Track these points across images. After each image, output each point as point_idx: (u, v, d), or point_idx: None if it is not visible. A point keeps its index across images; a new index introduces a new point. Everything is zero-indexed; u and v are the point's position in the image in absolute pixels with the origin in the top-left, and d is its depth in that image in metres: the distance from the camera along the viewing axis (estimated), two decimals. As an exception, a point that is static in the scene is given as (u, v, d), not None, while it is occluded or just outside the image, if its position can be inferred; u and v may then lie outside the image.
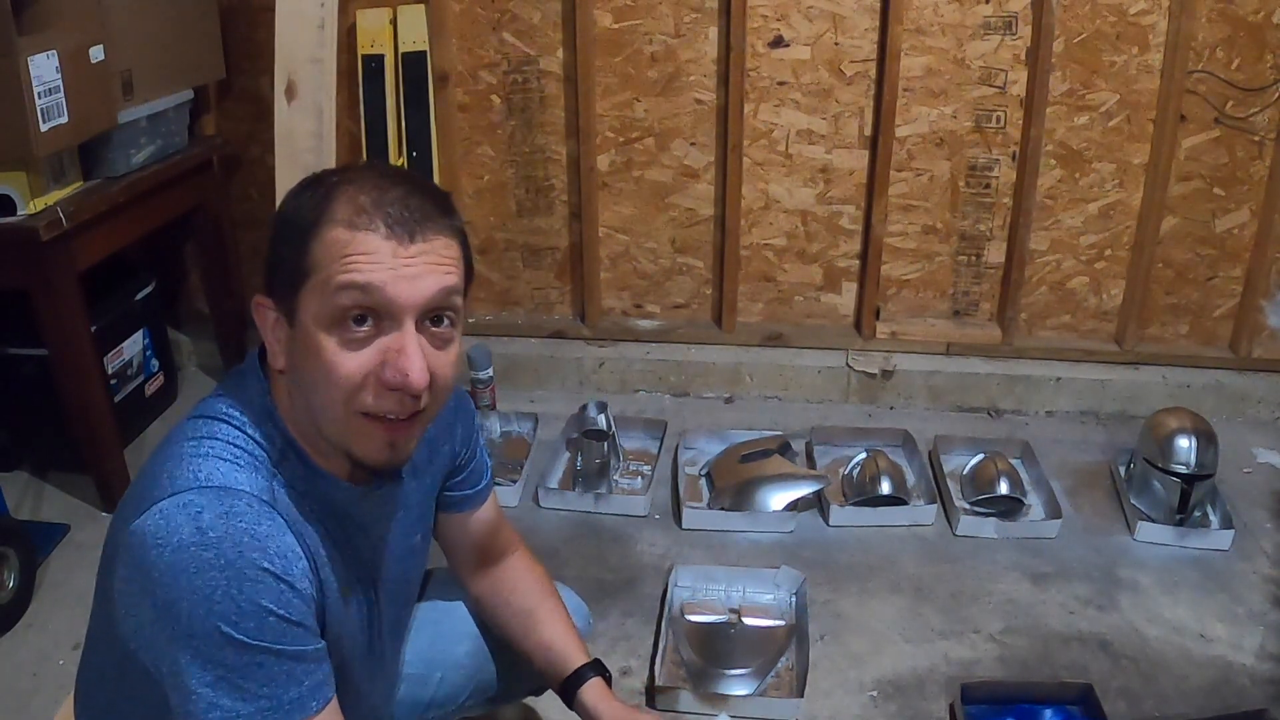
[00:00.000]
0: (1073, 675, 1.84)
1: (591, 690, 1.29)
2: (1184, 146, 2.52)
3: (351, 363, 0.93)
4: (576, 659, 1.31)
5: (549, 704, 1.64)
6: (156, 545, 0.89)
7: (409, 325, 0.94)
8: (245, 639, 0.89)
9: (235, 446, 0.97)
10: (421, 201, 0.96)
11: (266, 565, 0.90)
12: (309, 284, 0.93)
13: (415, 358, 0.93)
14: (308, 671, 0.94)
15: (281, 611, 0.91)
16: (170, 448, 0.97)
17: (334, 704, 0.98)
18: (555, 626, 1.34)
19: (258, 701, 0.91)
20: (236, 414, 0.99)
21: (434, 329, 0.96)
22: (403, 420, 0.97)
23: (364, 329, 0.93)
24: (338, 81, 2.20)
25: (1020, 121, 2.55)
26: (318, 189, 0.96)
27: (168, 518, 0.90)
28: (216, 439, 0.97)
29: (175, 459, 0.95)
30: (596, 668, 1.31)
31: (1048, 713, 1.74)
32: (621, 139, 2.68)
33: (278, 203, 1.02)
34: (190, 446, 0.96)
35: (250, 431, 0.99)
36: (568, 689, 1.30)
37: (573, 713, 1.31)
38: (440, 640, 1.39)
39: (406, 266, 0.93)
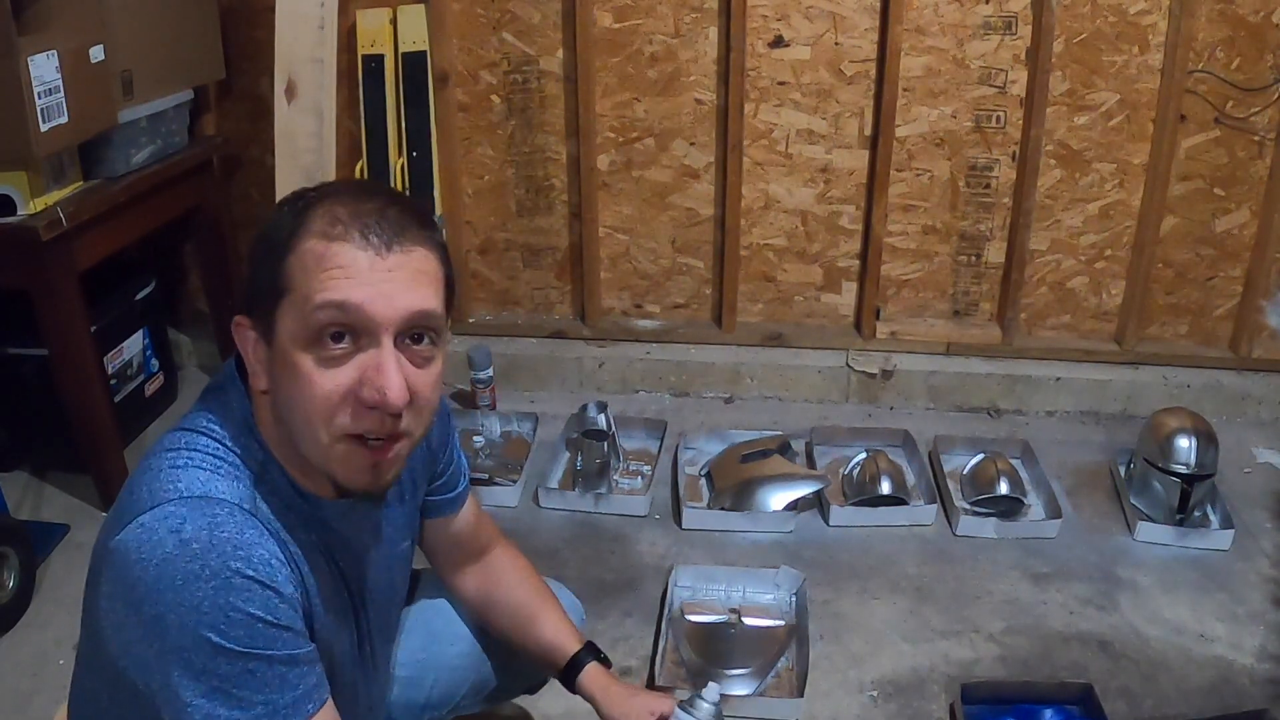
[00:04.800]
0: (1073, 675, 1.84)
1: (592, 674, 1.30)
2: (1184, 146, 2.52)
3: (329, 381, 0.92)
4: (572, 645, 1.32)
5: (548, 703, 1.65)
6: (140, 560, 0.88)
7: (387, 342, 0.92)
8: (236, 647, 0.89)
9: (215, 457, 0.96)
10: (399, 212, 0.95)
11: (251, 573, 0.90)
12: (285, 301, 0.92)
13: (393, 375, 0.91)
14: (301, 675, 0.94)
15: (270, 617, 0.91)
16: (149, 461, 0.96)
17: (330, 705, 0.97)
18: (548, 616, 1.34)
19: (254, 709, 0.90)
20: (217, 428, 0.98)
21: (414, 346, 0.95)
22: (385, 442, 0.95)
23: (341, 346, 0.92)
24: (338, 81, 2.20)
25: (1020, 121, 2.55)
26: (295, 204, 0.96)
27: (149, 531, 0.89)
28: (196, 450, 0.96)
29: (154, 472, 0.94)
30: (593, 651, 1.33)
31: (1048, 713, 1.74)
32: (621, 139, 2.68)
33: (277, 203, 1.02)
34: (168, 459, 0.95)
35: (230, 445, 0.97)
36: (567, 675, 1.31)
37: (574, 699, 1.32)
38: (433, 642, 1.38)
39: (385, 281, 0.91)
